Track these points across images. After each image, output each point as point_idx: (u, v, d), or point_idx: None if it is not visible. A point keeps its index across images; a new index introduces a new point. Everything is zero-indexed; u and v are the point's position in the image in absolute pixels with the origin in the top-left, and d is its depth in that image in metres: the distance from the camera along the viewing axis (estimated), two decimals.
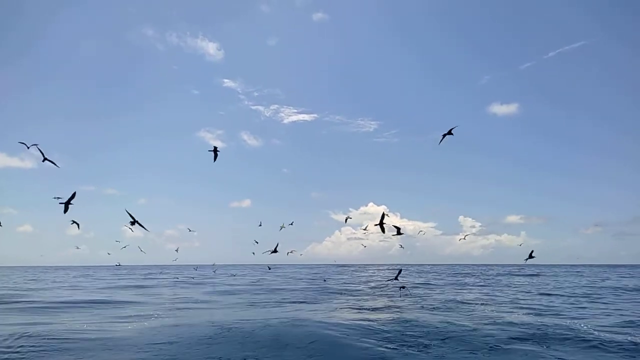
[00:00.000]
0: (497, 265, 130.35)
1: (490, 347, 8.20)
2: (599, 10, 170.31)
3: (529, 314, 12.55)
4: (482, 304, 14.86)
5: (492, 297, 17.69)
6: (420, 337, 8.98)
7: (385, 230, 11.34)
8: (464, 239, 23.72)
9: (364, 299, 17.02)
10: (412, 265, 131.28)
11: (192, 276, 41.04)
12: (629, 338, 8.88)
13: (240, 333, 9.28)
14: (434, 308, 13.74)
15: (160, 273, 52.75)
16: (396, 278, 14.57)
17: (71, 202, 10.12)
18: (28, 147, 10.93)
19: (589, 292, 20.79)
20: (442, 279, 32.78)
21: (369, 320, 11.06)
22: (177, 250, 29.88)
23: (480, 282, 29.50)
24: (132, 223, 9.93)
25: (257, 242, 23.76)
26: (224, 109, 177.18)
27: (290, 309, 14.08)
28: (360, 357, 7.74)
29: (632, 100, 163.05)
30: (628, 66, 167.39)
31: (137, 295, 20.06)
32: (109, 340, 8.77)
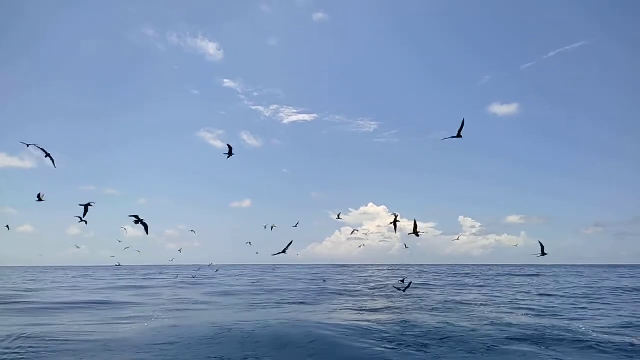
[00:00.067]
0: (497, 265, 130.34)
1: (489, 347, 8.21)
2: (599, 10, 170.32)
3: (528, 314, 12.56)
4: (481, 305, 14.87)
5: (492, 298, 17.70)
6: (419, 337, 9.00)
7: (397, 229, 11.37)
8: (458, 239, 23.67)
9: (363, 300, 17.03)
10: (412, 265, 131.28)
11: (192, 276, 41.06)
12: (627, 339, 8.90)
13: (240, 334, 9.30)
14: (433, 309, 13.76)
15: (160, 273, 52.76)
16: (404, 290, 14.49)
17: (91, 204, 10.25)
18: (27, 146, 11.01)
19: (588, 292, 20.79)
20: (441, 280, 32.78)
21: (369, 321, 11.07)
22: (180, 251, 30.25)
23: (480, 282, 29.51)
24: (136, 222, 9.96)
25: (249, 244, 24.04)
26: (224, 109, 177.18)
27: (290, 309, 14.10)
28: (360, 357, 7.76)
29: (632, 100, 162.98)
30: (628, 66, 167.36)
31: (137, 295, 20.08)
32: (109, 341, 8.79)
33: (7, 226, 21.48)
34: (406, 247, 28.01)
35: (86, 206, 10.49)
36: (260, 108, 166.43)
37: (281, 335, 9.12)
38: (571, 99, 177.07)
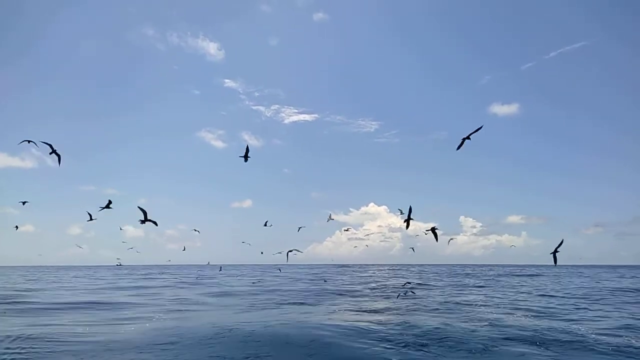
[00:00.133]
0: (498, 265, 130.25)
1: (488, 348, 8.24)
2: (599, 11, 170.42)
3: (527, 315, 12.58)
4: (481, 305, 14.89)
5: (492, 298, 17.72)
6: (418, 338, 9.03)
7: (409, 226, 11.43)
8: (451, 239, 23.80)
9: (363, 300, 17.06)
10: (412, 265, 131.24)
11: (192, 276, 41.09)
12: (627, 341, 8.92)
13: (240, 334, 9.35)
14: (433, 309, 13.78)
15: (161, 273, 52.81)
16: (405, 294, 14.58)
17: (109, 206, 10.34)
18: (28, 143, 11.09)
19: (588, 293, 20.80)
20: (441, 280, 32.80)
21: (368, 322, 11.11)
22: (184, 250, 30.74)
23: (480, 282, 29.51)
24: (143, 222, 10.00)
25: (243, 242, 24.43)
26: (224, 109, 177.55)
27: (291, 310, 14.13)
28: (359, 357, 7.79)
29: (632, 100, 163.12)
30: (628, 66, 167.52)
31: (138, 295, 20.11)
32: (110, 342, 8.84)
33: (16, 226, 21.69)
34: (413, 250, 28.22)
35: (107, 205, 10.57)
36: (261, 108, 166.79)
37: (282, 336, 9.17)
38: (571, 99, 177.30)
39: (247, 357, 7.67)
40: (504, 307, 14.46)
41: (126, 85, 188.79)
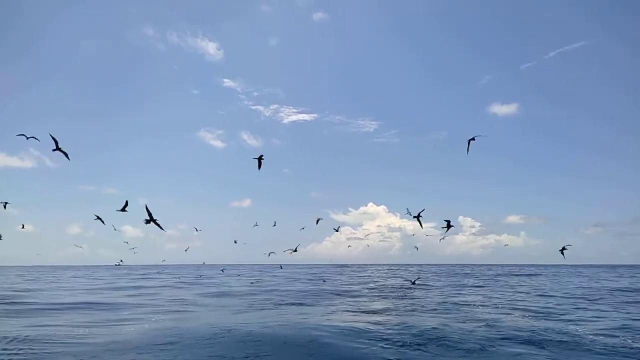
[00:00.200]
0: (497, 265, 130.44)
1: (486, 349, 8.27)
2: (599, 10, 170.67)
3: (526, 316, 12.62)
4: (479, 306, 14.93)
5: (490, 299, 17.76)
6: (416, 338, 9.06)
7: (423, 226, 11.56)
8: (443, 239, 23.94)
9: (362, 301, 17.10)
10: (411, 265, 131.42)
11: (191, 276, 41.09)
12: (624, 342, 8.96)
13: (239, 335, 9.38)
14: (431, 309, 13.82)
15: (159, 273, 52.81)
16: (413, 282, 14.80)
17: (125, 209, 10.41)
18: (27, 138, 11.10)
19: (587, 293, 20.86)
20: (441, 280, 32.86)
21: (367, 322, 11.14)
22: (186, 250, 30.95)
23: (479, 282, 29.58)
24: (147, 222, 10.00)
25: (236, 242, 24.69)
26: (224, 109, 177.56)
27: (289, 310, 14.16)
28: (357, 358, 7.81)
29: (632, 100, 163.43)
30: (628, 66, 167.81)
31: (137, 296, 20.12)
32: (110, 343, 8.86)
33: (22, 225, 21.77)
34: (417, 248, 28.40)
35: (124, 208, 10.62)
36: (260, 108, 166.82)
37: (280, 336, 9.20)
38: (571, 99, 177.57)
39: (247, 357, 7.69)
40: (502, 307, 14.51)
41: (126, 85, 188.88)
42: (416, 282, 23.77)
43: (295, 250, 16.71)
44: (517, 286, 26.15)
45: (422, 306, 14.79)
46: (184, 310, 14.33)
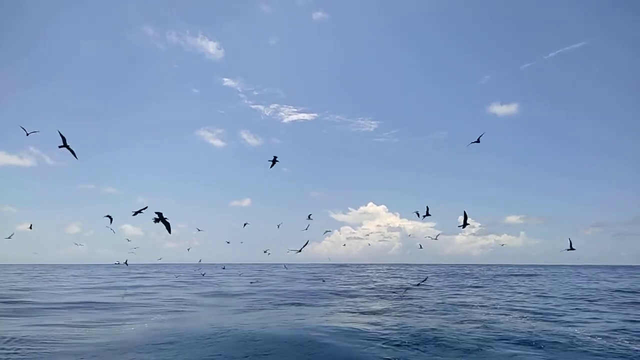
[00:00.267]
0: (496, 265, 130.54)
1: (483, 349, 8.31)
2: (599, 11, 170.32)
3: (524, 317, 12.67)
4: (478, 306, 14.97)
5: (489, 299, 17.81)
6: (415, 339, 9.10)
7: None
8: (436, 239, 24.05)
9: (361, 301, 17.14)
10: (411, 265, 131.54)
11: (190, 275, 41.16)
12: (620, 343, 9.00)
13: (238, 335, 9.43)
14: (430, 310, 13.86)
15: (158, 272, 52.87)
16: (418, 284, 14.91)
17: (142, 211, 10.41)
18: (27, 134, 11.11)
19: (586, 294, 20.90)
20: (440, 280, 32.90)
21: (365, 323, 11.19)
22: (189, 250, 31.01)
23: (478, 283, 29.62)
24: (156, 221, 9.99)
25: (228, 243, 24.98)
26: (223, 108, 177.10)
27: (288, 311, 14.22)
28: (356, 358, 7.84)
29: (632, 100, 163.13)
30: (628, 66, 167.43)
31: (137, 295, 20.16)
32: (110, 342, 8.91)
33: (30, 226, 21.83)
34: (421, 247, 28.50)
35: (140, 210, 10.63)
36: (260, 107, 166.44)
37: (279, 337, 9.24)
38: (571, 99, 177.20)
39: (246, 357, 7.75)
40: (500, 308, 14.55)
41: (126, 84, 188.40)
42: (421, 284, 23.94)
43: (300, 251, 16.88)
44: (516, 287, 26.20)
45: (421, 307, 14.83)
46: (183, 310, 14.37)
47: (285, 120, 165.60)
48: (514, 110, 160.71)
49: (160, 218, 9.75)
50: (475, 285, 27.48)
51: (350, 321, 11.59)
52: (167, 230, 9.84)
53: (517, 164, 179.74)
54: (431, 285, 26.37)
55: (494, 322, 11.32)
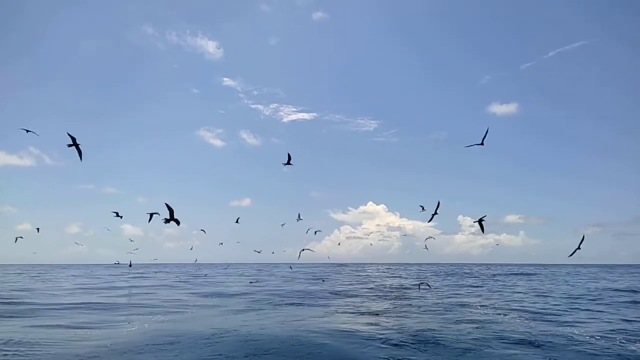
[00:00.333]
0: (496, 264, 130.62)
1: (482, 350, 8.35)
2: (599, 10, 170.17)
3: (523, 317, 12.71)
4: (477, 306, 15.02)
5: (488, 299, 17.86)
6: (413, 339, 9.15)
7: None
8: (428, 239, 24.16)
9: (360, 301, 17.19)
10: (411, 264, 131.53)
11: (190, 275, 41.21)
12: (619, 344, 9.05)
13: (238, 336, 9.49)
14: (429, 310, 13.91)
15: (157, 272, 52.90)
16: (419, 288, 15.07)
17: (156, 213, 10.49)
18: (27, 132, 11.20)
19: (585, 294, 20.96)
20: (439, 280, 32.95)
21: (364, 323, 11.25)
22: (191, 249, 31.12)
23: (478, 282, 29.68)
24: (167, 221, 10.04)
25: (221, 244, 25.20)
26: (223, 108, 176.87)
27: (288, 311, 14.27)
28: (355, 358, 7.88)
29: (632, 100, 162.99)
30: (628, 66, 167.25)
31: (136, 295, 20.19)
32: (110, 343, 8.93)
33: (37, 229, 21.92)
34: (426, 248, 28.63)
35: (152, 214, 10.70)
36: (260, 107, 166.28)
37: (278, 338, 9.28)
38: (571, 99, 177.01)
39: (246, 357, 7.79)
40: (499, 308, 14.59)
41: (126, 84, 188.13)
42: (420, 287, 24.14)
43: (300, 254, 17.07)
44: (515, 286, 26.26)
45: (420, 307, 14.88)
46: (183, 311, 14.40)
47: (285, 120, 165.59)
48: (514, 110, 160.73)
49: (172, 218, 9.84)
50: (474, 284, 27.54)
51: (349, 321, 11.64)
52: (176, 224, 9.98)
53: (516, 164, 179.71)
54: (430, 285, 26.42)
55: (493, 322, 11.37)
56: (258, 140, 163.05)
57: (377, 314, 13.08)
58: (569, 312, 13.86)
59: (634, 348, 8.59)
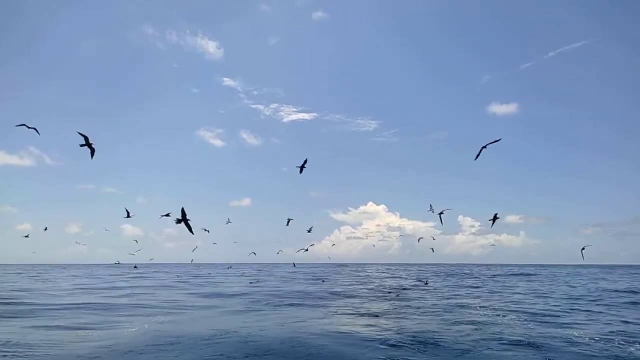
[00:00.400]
0: (496, 265, 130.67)
1: (481, 351, 8.36)
2: (599, 10, 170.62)
3: (521, 318, 12.72)
4: (476, 307, 15.04)
5: (487, 299, 17.88)
6: (412, 340, 9.17)
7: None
8: (422, 238, 24.30)
9: (360, 302, 17.21)
10: (411, 264, 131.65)
11: (191, 275, 41.22)
12: (618, 346, 9.06)
13: (238, 337, 9.51)
14: (428, 311, 13.92)
15: (156, 272, 52.92)
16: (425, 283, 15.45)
17: (168, 215, 10.50)
18: (28, 128, 11.19)
19: (584, 294, 20.98)
20: (439, 281, 32.96)
21: (364, 324, 11.28)
22: (193, 251, 31.16)
23: (477, 283, 29.70)
24: (178, 222, 10.04)
25: (215, 244, 25.24)
26: (223, 108, 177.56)
27: (287, 312, 14.30)
28: (354, 359, 7.91)
29: (632, 100, 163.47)
30: (628, 66, 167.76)
31: (136, 295, 20.20)
32: (111, 344, 8.95)
33: (45, 228, 21.98)
34: (432, 250, 28.84)
35: (167, 214, 10.72)
36: (260, 107, 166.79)
37: (278, 338, 9.30)
38: (571, 99, 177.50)
39: (246, 357, 7.81)
40: (499, 309, 14.61)
41: (126, 84, 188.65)
42: (427, 282, 24.40)
43: (307, 250, 17.15)
44: (514, 287, 26.28)
45: (419, 307, 14.90)
46: (183, 311, 14.42)
47: (285, 120, 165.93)
48: (514, 110, 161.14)
49: (183, 219, 9.85)
50: (474, 285, 27.55)
51: (348, 322, 11.66)
52: (189, 231, 9.96)
53: (517, 164, 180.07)
54: (430, 286, 26.43)
55: (492, 323, 11.39)
56: (258, 140, 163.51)
57: (377, 315, 13.10)
58: (568, 314, 13.88)
59: (632, 349, 8.60)
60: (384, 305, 15.72)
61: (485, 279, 36.27)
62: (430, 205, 14.91)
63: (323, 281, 31.46)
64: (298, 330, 10.30)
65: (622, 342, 9.22)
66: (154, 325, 11.35)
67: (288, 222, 20.57)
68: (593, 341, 9.28)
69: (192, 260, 29.32)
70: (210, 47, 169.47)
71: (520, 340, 9.23)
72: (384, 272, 53.98)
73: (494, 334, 9.95)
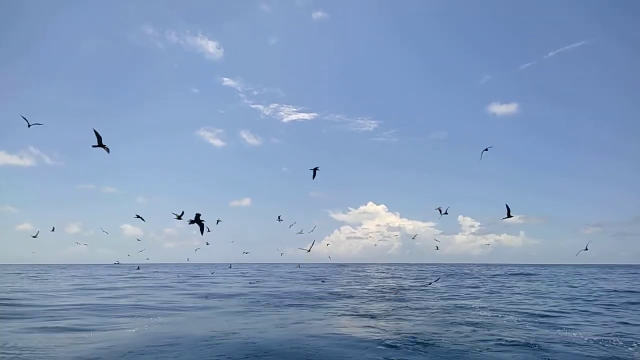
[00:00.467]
0: (496, 265, 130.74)
1: (480, 352, 8.37)
2: (599, 10, 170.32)
3: (522, 318, 12.73)
4: (476, 308, 15.04)
5: (487, 300, 17.89)
6: (412, 341, 9.18)
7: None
8: (415, 237, 24.37)
9: (359, 302, 17.22)
10: (411, 264, 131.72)
11: (191, 276, 41.23)
12: (617, 346, 9.07)
13: (237, 338, 9.53)
14: (428, 312, 13.93)
15: (156, 272, 52.93)
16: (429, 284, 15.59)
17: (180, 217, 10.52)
18: (29, 126, 11.18)
19: (584, 294, 21.00)
20: (439, 281, 32.96)
21: (363, 325, 11.30)
22: (196, 251, 31.17)
23: (477, 283, 29.71)
24: (191, 222, 10.02)
25: (208, 244, 25.40)
26: (223, 108, 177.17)
27: (287, 313, 14.29)
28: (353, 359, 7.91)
29: (632, 100, 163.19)
30: (628, 66, 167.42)
31: (136, 295, 20.20)
32: (111, 345, 8.95)
33: (53, 228, 22.00)
34: (437, 248, 28.92)
35: (180, 216, 10.71)
36: (260, 107, 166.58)
37: (277, 339, 9.32)
38: (571, 99, 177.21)
39: (246, 357, 7.82)
40: (498, 310, 14.61)
41: (126, 84, 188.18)
42: (432, 283, 24.45)
43: (309, 250, 17.17)
44: (514, 287, 26.29)
45: (419, 308, 14.91)
46: (183, 312, 14.43)
47: (285, 120, 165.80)
48: (514, 110, 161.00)
49: (197, 220, 9.84)
50: (473, 285, 27.57)
51: (348, 324, 11.67)
52: (200, 232, 9.95)
53: (517, 164, 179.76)
54: (430, 286, 26.44)
55: (491, 324, 11.40)
56: (258, 140, 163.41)
57: (376, 316, 13.11)
58: (568, 314, 13.89)
59: (632, 349, 8.61)
60: (383, 306, 15.73)
61: (485, 279, 36.28)
62: (439, 209, 15.07)
63: (323, 281, 31.48)
64: (298, 332, 10.31)
65: (621, 343, 9.23)
66: (154, 326, 11.36)
67: (279, 218, 20.67)
68: (592, 342, 9.29)
69: (187, 259, 29.22)
70: (210, 47, 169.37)
71: (520, 341, 9.24)
72: (383, 273, 54.00)
73: (493, 335, 9.95)
